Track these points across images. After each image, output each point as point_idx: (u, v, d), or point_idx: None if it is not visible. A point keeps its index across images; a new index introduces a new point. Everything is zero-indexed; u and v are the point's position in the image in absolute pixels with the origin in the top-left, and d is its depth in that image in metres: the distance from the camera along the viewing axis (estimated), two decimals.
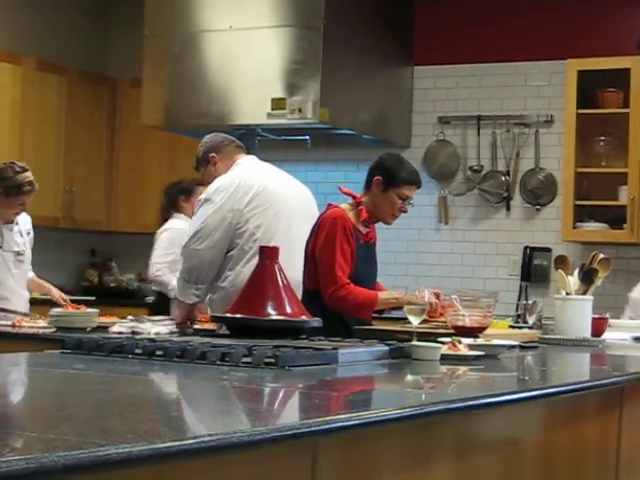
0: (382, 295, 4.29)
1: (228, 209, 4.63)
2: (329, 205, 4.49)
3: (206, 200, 4.68)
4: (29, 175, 5.14)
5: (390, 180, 4.38)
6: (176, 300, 4.97)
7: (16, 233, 5.29)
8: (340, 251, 4.25)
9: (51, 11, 8.12)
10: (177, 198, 6.38)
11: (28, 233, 5.36)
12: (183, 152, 8.10)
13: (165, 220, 6.38)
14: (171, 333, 4.34)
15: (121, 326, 4.35)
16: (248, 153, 5.00)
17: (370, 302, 4.25)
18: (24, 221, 5.35)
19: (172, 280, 5.74)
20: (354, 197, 4.46)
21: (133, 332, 4.20)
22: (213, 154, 4.90)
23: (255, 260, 4.26)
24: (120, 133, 8.36)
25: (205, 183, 4.94)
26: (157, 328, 4.31)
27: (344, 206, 4.44)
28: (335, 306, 4.23)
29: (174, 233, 6.08)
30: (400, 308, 4.11)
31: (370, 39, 7.21)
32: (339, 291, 4.22)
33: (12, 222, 5.24)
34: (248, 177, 4.75)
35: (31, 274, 5.45)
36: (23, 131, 7.59)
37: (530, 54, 7.24)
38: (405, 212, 4.47)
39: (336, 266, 4.23)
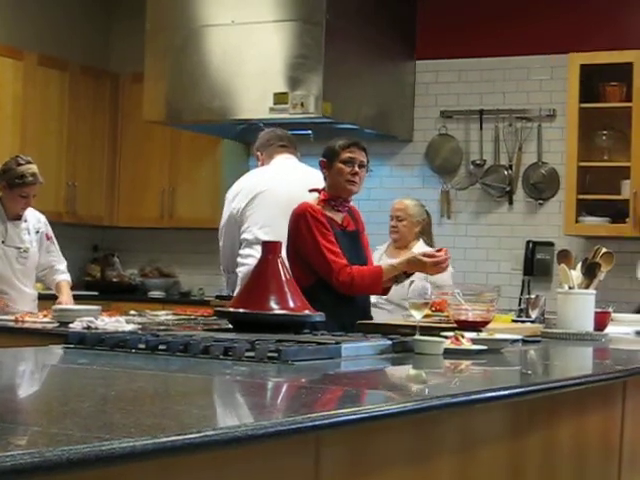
0: (385, 267, 4.32)
1: (233, 205, 5.16)
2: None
3: (226, 199, 5.27)
4: (32, 167, 5.19)
5: (330, 154, 4.40)
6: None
7: (23, 230, 5.29)
8: (321, 237, 4.25)
9: (52, 6, 8.12)
10: None
11: (37, 232, 5.36)
12: (185, 147, 8.12)
13: None
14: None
15: (80, 321, 4.32)
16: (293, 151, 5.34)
17: (377, 277, 4.27)
18: (35, 219, 5.36)
19: None
20: (318, 191, 4.46)
21: (88, 327, 4.17)
22: (258, 153, 5.38)
23: (255, 257, 4.46)
24: (122, 128, 8.36)
25: None
26: (112, 324, 4.26)
27: (311, 201, 4.43)
28: (346, 292, 4.25)
29: None
30: (407, 275, 4.23)
31: (372, 33, 7.21)
32: (340, 276, 4.22)
33: (20, 219, 5.27)
34: (258, 177, 5.24)
35: (63, 277, 5.44)
36: (25, 126, 7.58)
37: (532, 48, 7.24)
38: (357, 174, 4.39)
39: (326, 253, 4.23)
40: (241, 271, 5.08)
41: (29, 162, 5.21)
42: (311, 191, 4.48)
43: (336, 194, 4.38)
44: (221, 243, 5.29)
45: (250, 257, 4.97)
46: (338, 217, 4.40)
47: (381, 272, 4.27)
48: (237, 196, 5.18)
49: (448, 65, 7.50)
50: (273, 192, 5.09)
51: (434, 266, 4.15)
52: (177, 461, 1.69)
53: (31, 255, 5.32)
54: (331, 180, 4.39)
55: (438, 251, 4.23)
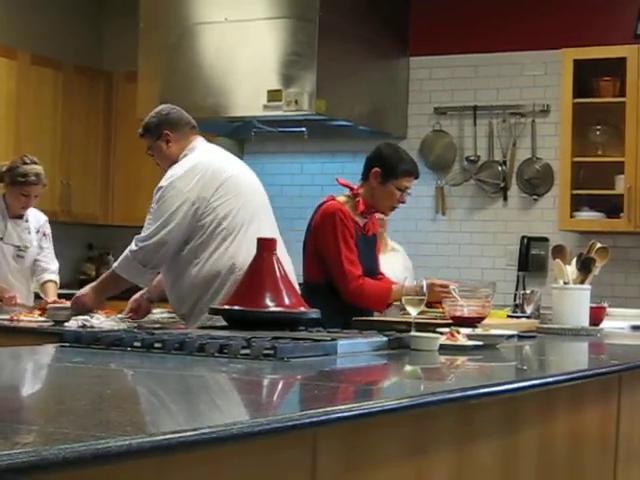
0: (395, 288, 4.31)
1: (194, 197, 4.24)
2: (329, 197, 4.48)
3: (169, 186, 4.27)
4: (37, 168, 5.27)
5: (389, 172, 4.36)
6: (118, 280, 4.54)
7: (24, 229, 5.33)
8: (344, 244, 4.26)
9: (46, 5, 8.10)
10: None
11: (38, 231, 5.39)
12: None
13: None
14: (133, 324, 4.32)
15: (75, 320, 4.30)
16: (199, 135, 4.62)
17: (385, 296, 4.29)
18: (37, 219, 5.40)
19: None
20: (351, 189, 4.46)
21: (83, 326, 4.16)
22: (168, 132, 4.45)
23: (221, 251, 4.24)
24: (116, 127, 8.35)
25: (154, 156, 4.54)
26: (107, 322, 4.25)
27: (341, 198, 4.44)
28: (352, 301, 4.26)
29: None
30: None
31: (366, 30, 7.20)
32: (351, 285, 4.24)
33: (21, 217, 5.30)
34: (214, 164, 4.36)
35: (50, 277, 5.41)
36: (19, 126, 7.58)
37: (526, 44, 7.24)
38: (404, 203, 4.47)
39: (344, 260, 4.25)
40: (206, 273, 4.26)
41: (35, 162, 5.30)
42: (342, 185, 4.50)
43: (373, 206, 4.41)
44: (164, 232, 4.29)
45: (222, 254, 4.25)
46: (362, 221, 4.43)
47: (390, 292, 4.29)
48: (200, 179, 4.27)
49: (442, 61, 7.50)
50: (238, 180, 4.37)
51: (441, 296, 4.13)
52: (173, 459, 1.69)
53: (30, 254, 5.36)
54: (375, 194, 4.39)
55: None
